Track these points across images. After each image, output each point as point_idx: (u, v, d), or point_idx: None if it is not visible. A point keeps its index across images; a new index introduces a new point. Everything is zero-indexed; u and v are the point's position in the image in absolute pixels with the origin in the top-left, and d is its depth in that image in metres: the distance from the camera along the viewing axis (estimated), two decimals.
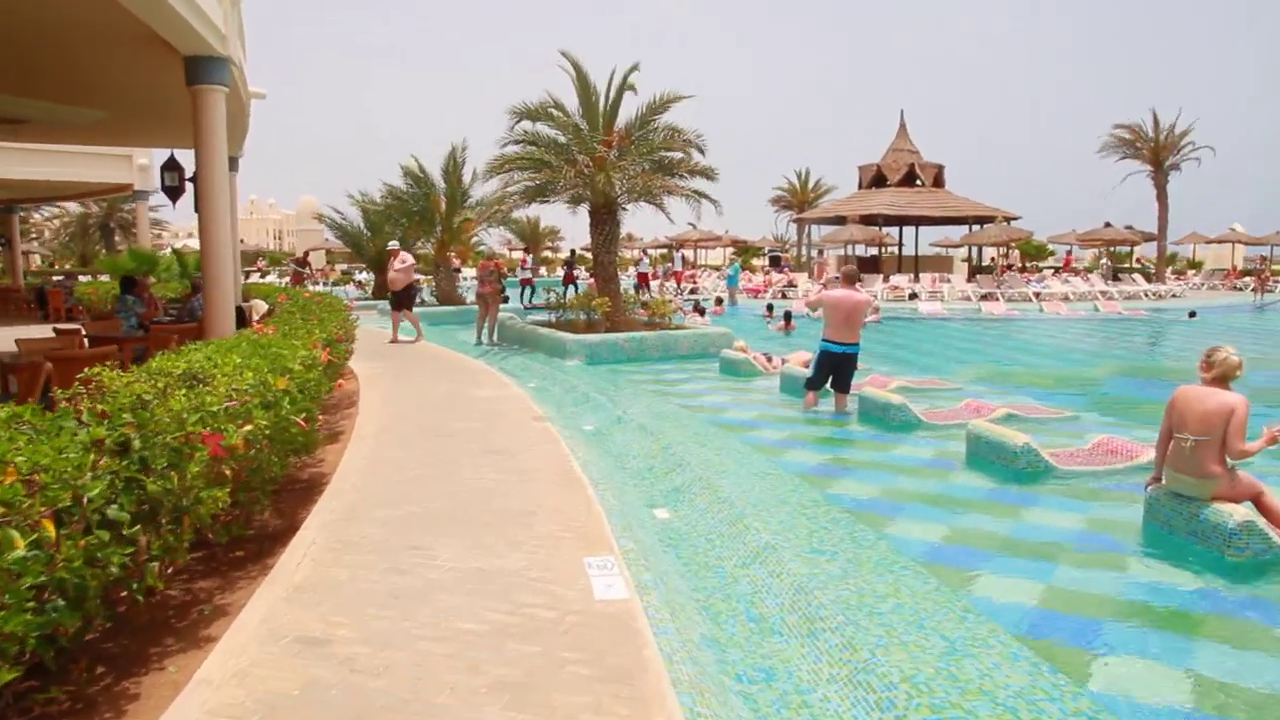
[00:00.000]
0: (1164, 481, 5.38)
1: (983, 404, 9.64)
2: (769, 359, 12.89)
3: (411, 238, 25.22)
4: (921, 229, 43.51)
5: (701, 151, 15.53)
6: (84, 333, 10.94)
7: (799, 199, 53.12)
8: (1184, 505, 5.13)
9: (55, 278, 25.82)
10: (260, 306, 14.88)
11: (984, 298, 30.71)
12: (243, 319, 13.40)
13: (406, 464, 6.87)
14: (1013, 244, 36.46)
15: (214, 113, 9.46)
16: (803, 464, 7.37)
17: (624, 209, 16.15)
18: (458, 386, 10.88)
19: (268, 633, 3.86)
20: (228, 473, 4.57)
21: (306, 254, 29.76)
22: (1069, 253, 47.12)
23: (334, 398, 10.41)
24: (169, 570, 4.24)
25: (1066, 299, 30.79)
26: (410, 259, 16.32)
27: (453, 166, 23.63)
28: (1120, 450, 7.22)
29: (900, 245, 42.09)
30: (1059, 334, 21.69)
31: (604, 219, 15.65)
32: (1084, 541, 5.32)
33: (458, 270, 40.18)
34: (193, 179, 10.41)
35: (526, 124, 15.98)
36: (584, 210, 16.70)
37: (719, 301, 26.32)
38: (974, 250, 42.95)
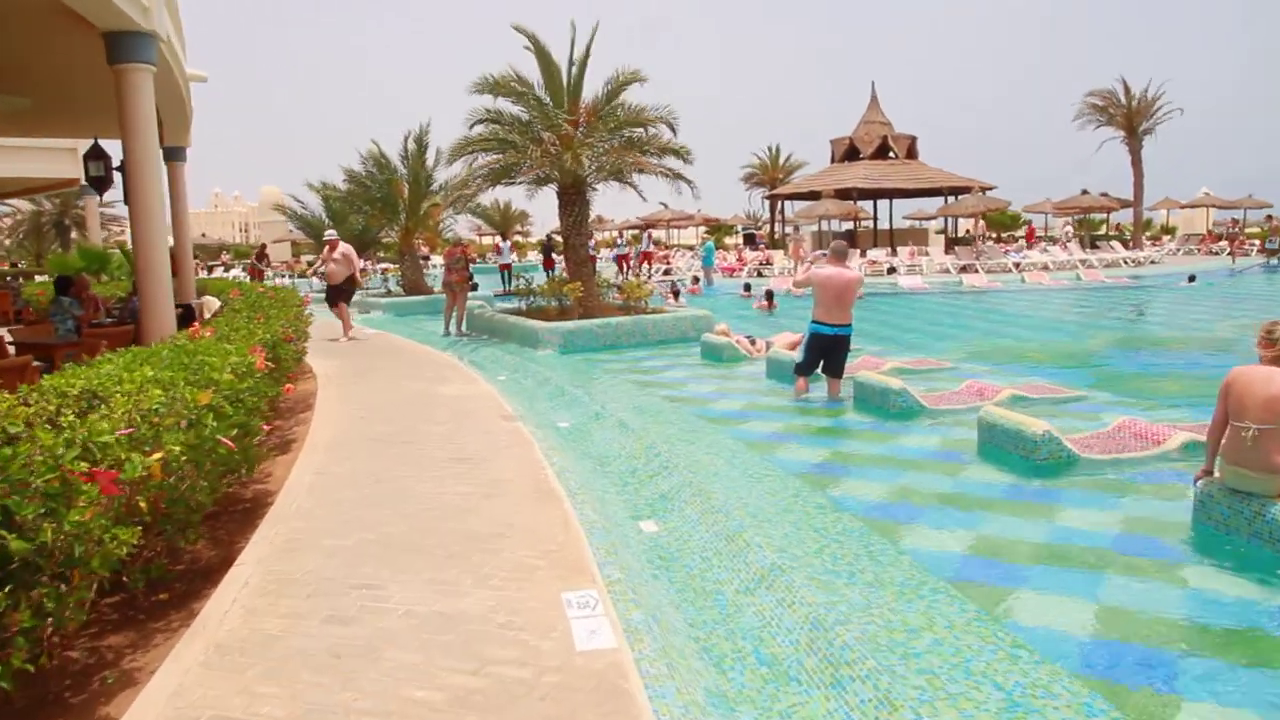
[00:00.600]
0: (1217, 475, 4.76)
1: (986, 385, 9.03)
2: (752, 342, 12.23)
3: (375, 226, 24.29)
4: (896, 202, 43.15)
5: (673, 128, 14.76)
6: (8, 339, 10.06)
7: (770, 175, 52.39)
8: (1245, 503, 4.52)
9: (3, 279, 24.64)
10: (213, 304, 14.01)
11: (963, 270, 30.23)
12: (191, 318, 12.58)
13: (362, 479, 6.14)
14: (989, 213, 35.97)
15: (140, 94, 8.60)
16: (801, 461, 6.71)
17: (593, 189, 15.38)
18: (423, 384, 10.13)
19: (175, 715, 3.14)
20: (143, 505, 3.84)
21: (263, 247, 28.62)
22: (1030, 224, 46.49)
23: (287, 401, 9.64)
24: (55, 639, 3.51)
25: (1046, 269, 30.36)
26: (350, 250, 15.40)
27: (415, 150, 22.69)
28: (1145, 434, 6.61)
29: (875, 219, 41.58)
30: (1044, 305, 21.20)
31: (573, 200, 14.87)
32: (1129, 547, 4.69)
33: (426, 258, 39.18)
34: (120, 168, 9.52)
35: (489, 102, 15.17)
36: (552, 193, 15.94)
37: (695, 281, 25.64)
38: (950, 222, 42.59)
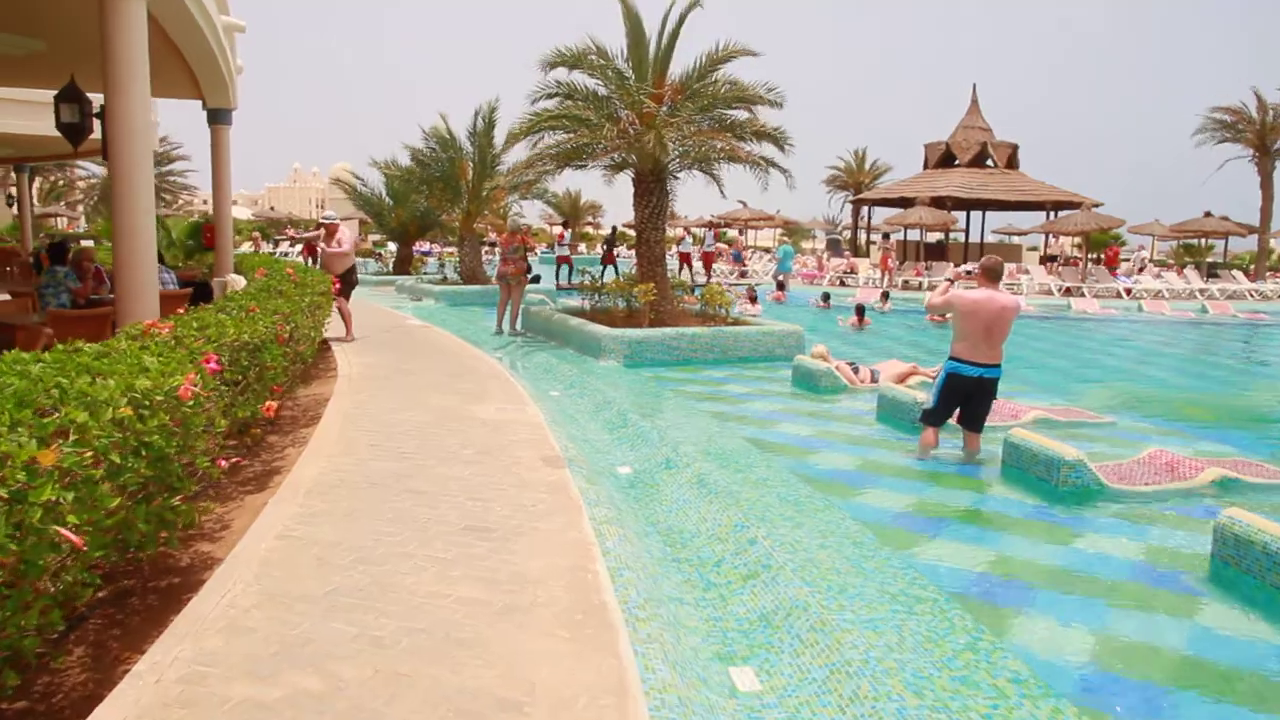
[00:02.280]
0: None
1: (1174, 457, 6.89)
2: (855, 369, 10.20)
3: (436, 207, 22.73)
4: (988, 215, 40.36)
5: (779, 106, 12.76)
6: None
7: (855, 179, 49.83)
8: None
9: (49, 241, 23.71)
10: (239, 282, 12.51)
11: (1067, 292, 27.60)
12: (207, 297, 10.98)
13: (338, 554, 4.34)
14: (1097, 233, 33.12)
15: (127, 25, 6.96)
16: (957, 571, 4.72)
17: (675, 177, 13.48)
18: (457, 399, 8.34)
19: None
20: None
21: (320, 223, 27.08)
22: (1112, 246, 42.29)
23: (294, 409, 7.97)
24: None
25: (1160, 296, 27.53)
26: (352, 235, 13.06)
27: (481, 128, 21.05)
28: None
29: (967, 231, 38.88)
30: (1176, 341, 18.62)
31: (651, 188, 12.99)
32: None
33: (491, 245, 37.75)
34: (100, 114, 7.92)
35: (562, 76, 13.38)
36: (624, 181, 14.10)
37: (780, 287, 23.53)
38: (1045, 239, 39.71)
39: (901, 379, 10.30)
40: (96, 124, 12.66)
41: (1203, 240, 49.33)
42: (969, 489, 6.34)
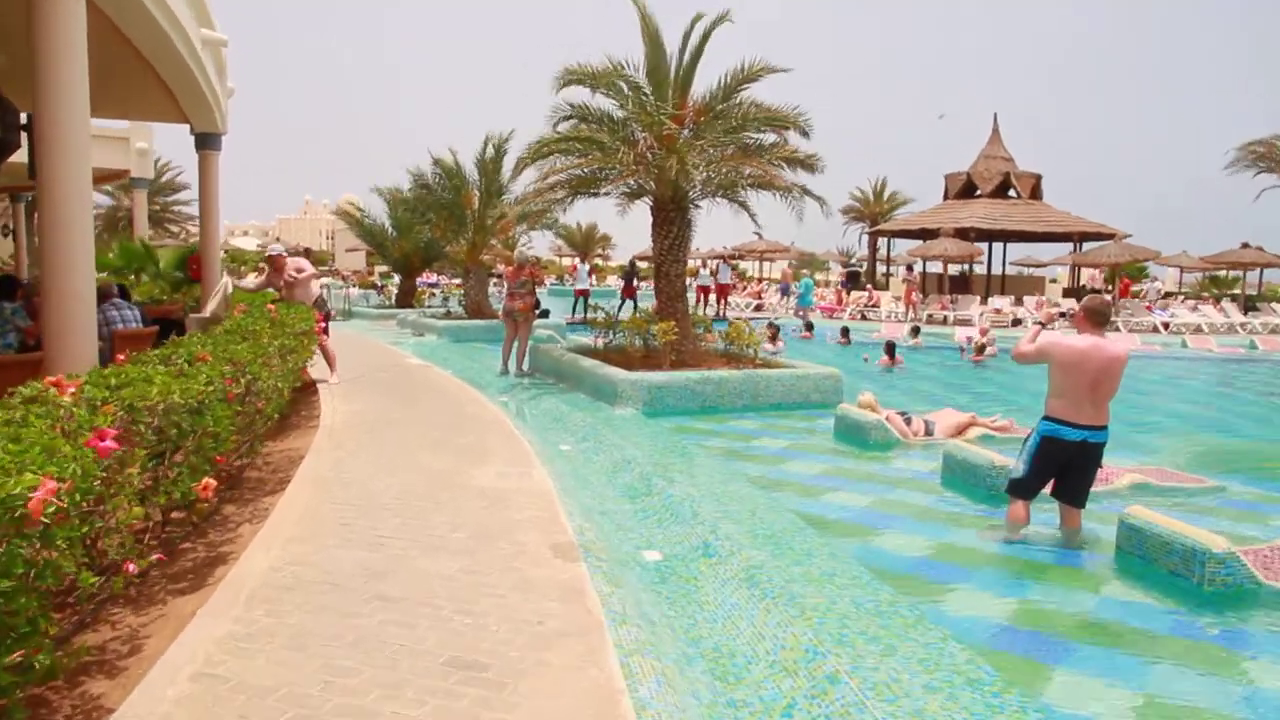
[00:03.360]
0: None
1: None
2: (907, 420, 8.97)
3: (440, 237, 21.67)
4: (1010, 247, 39.17)
5: (806, 134, 11.66)
6: None
7: (871, 210, 48.82)
8: None
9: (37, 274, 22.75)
10: (234, 284, 11.51)
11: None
12: (178, 331, 9.81)
13: (269, 712, 3.12)
14: (1130, 265, 31.90)
15: (57, 24, 5.85)
16: None
17: (696, 206, 12.34)
18: (451, 459, 7.13)
19: None
20: None
21: (306, 251, 25.79)
22: (1125, 278, 40.10)
23: (263, 467, 6.79)
24: None
25: (1200, 330, 26.22)
26: (308, 266, 11.55)
27: (490, 155, 20.03)
28: None
29: (989, 263, 37.69)
30: (1237, 380, 17.29)
31: (671, 218, 11.85)
32: None
33: (499, 277, 36.68)
34: (27, 128, 6.80)
35: (574, 96, 12.33)
36: (639, 212, 13.02)
37: (809, 328, 22.29)
38: (1076, 271, 38.48)
39: (960, 431, 9.07)
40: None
41: (1229, 272, 48.11)
42: (1084, 588, 5.09)
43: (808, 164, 11.60)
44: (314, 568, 4.53)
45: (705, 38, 11.34)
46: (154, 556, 4.13)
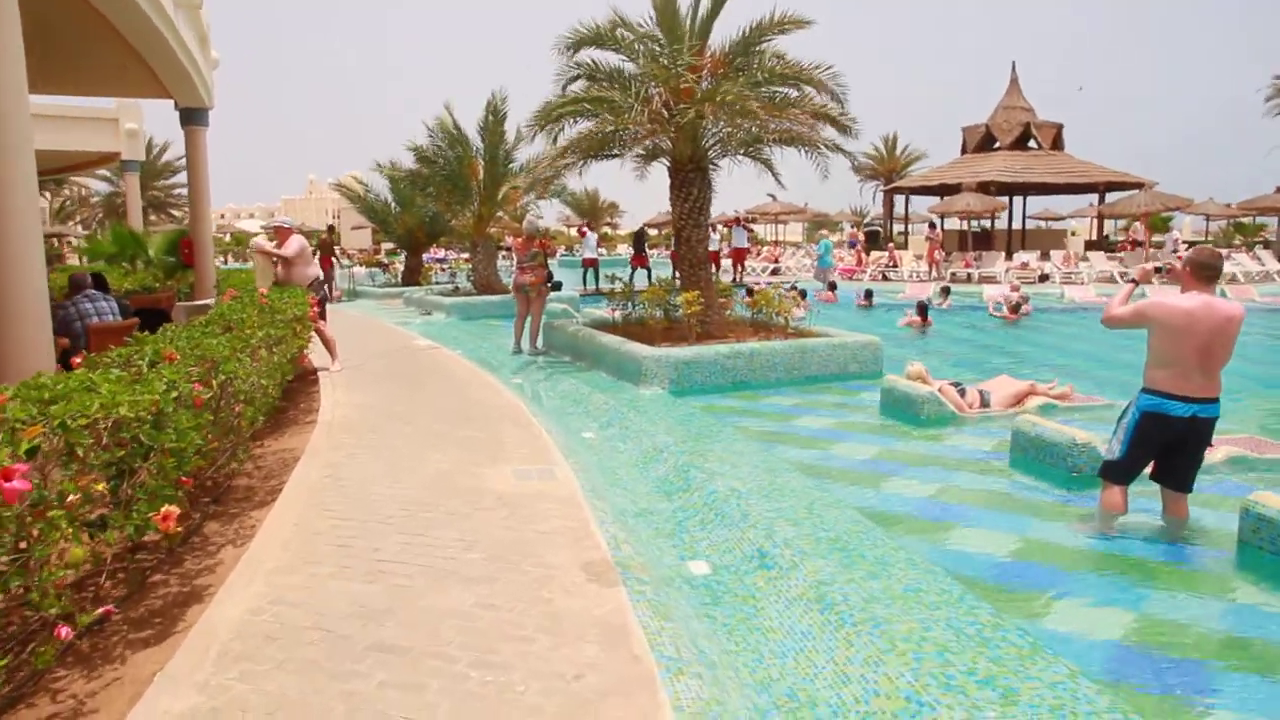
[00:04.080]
0: None
1: None
2: (961, 391, 8.17)
3: (444, 211, 20.83)
4: (1029, 199, 38.02)
5: (839, 100, 10.71)
6: None
7: (886, 167, 47.58)
8: None
9: None
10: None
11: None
12: (163, 322, 9.06)
13: None
14: (1160, 213, 30.79)
15: None
16: None
17: (715, 166, 11.48)
18: (464, 456, 6.38)
19: None
20: None
21: (330, 229, 24.79)
22: (1127, 228, 38.42)
23: (254, 473, 6.08)
24: None
25: (1234, 280, 25.18)
26: (302, 242, 10.42)
27: (492, 121, 19.12)
28: None
29: (1010, 217, 36.57)
30: None
31: (690, 179, 11.00)
32: None
33: (508, 250, 35.84)
34: None
35: (583, 56, 11.47)
36: (649, 175, 12.18)
37: (832, 288, 21.42)
38: (1098, 223, 37.30)
39: (1018, 401, 8.28)
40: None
41: (1255, 218, 46.76)
42: (1212, 594, 4.32)
43: (840, 124, 10.67)
44: (301, 608, 3.79)
45: None
46: (100, 611, 3.40)
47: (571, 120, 11.47)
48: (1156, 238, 37.17)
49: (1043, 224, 48.80)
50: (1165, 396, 4.91)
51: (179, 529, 4.30)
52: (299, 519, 4.99)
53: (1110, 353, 13.62)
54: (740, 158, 11.58)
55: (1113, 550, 4.86)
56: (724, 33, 10.95)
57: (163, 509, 3.65)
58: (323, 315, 10.33)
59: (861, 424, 7.87)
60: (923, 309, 16.03)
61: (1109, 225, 37.91)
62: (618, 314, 11.93)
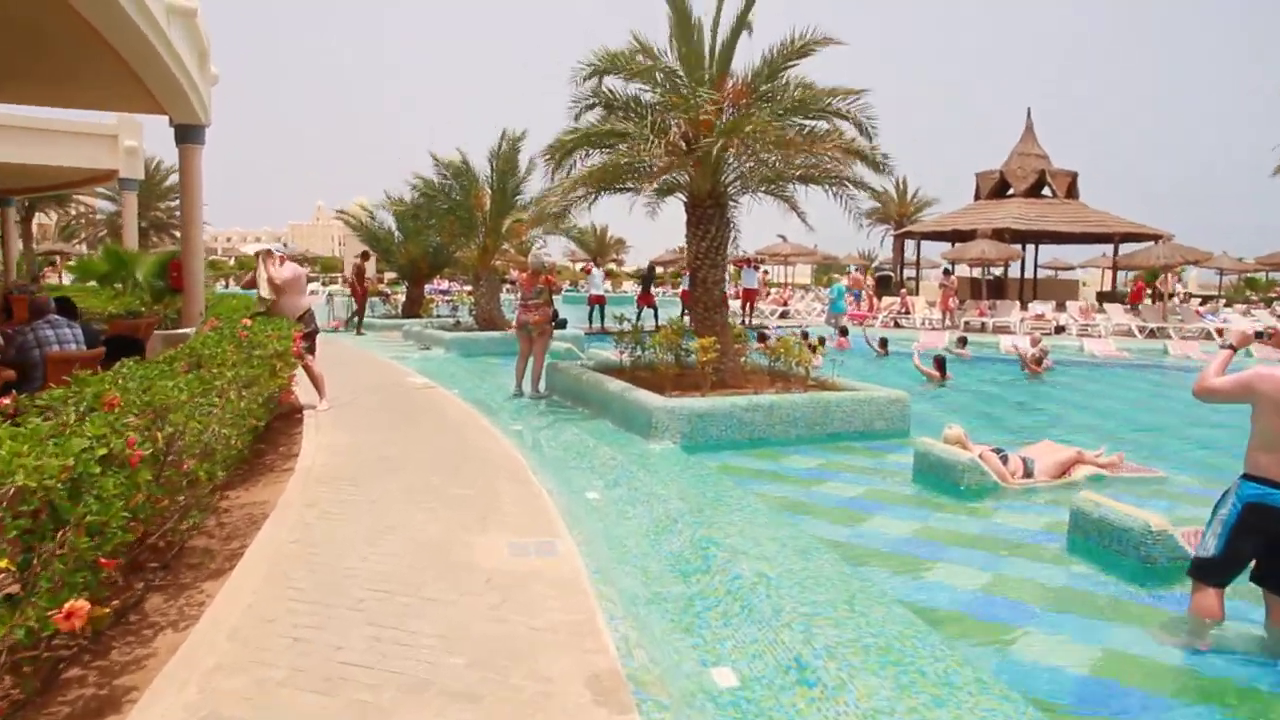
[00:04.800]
0: None
1: None
2: (1004, 459, 7.44)
3: (449, 242, 20.24)
4: (1041, 248, 37.45)
5: (866, 134, 10.09)
6: None
7: (897, 212, 47.14)
8: None
9: (19, 283, 21.40)
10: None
11: (1151, 334, 24.68)
12: (135, 351, 8.35)
13: None
14: (1180, 266, 30.21)
15: None
16: None
17: (735, 203, 10.85)
18: (452, 520, 5.64)
19: None
20: None
21: (364, 254, 23.73)
22: (1139, 280, 37.64)
23: (216, 531, 5.36)
24: None
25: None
26: (298, 270, 9.70)
27: (503, 153, 18.58)
28: None
29: (1022, 266, 36.00)
30: None
31: (709, 216, 10.36)
32: None
33: (512, 283, 35.17)
34: None
35: (595, 82, 10.90)
36: (665, 211, 11.58)
37: (843, 333, 20.75)
38: (1115, 275, 36.73)
39: (1064, 471, 7.56)
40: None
41: (1267, 275, 46.29)
42: None
43: (873, 161, 10.03)
44: None
45: (748, 7, 9.83)
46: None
47: (584, 152, 10.89)
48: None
49: (1053, 273, 48.31)
50: (1273, 485, 4.19)
51: (106, 611, 3.56)
52: (255, 598, 4.25)
53: (1137, 413, 12.91)
54: (761, 195, 10.94)
55: (1211, 669, 4.12)
56: (745, 58, 10.41)
57: (66, 605, 2.92)
58: (311, 350, 9.63)
59: (895, 494, 7.12)
60: (940, 363, 15.30)
61: (1120, 276, 37.34)
62: (626, 357, 11.23)
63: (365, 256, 22.78)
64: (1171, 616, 4.62)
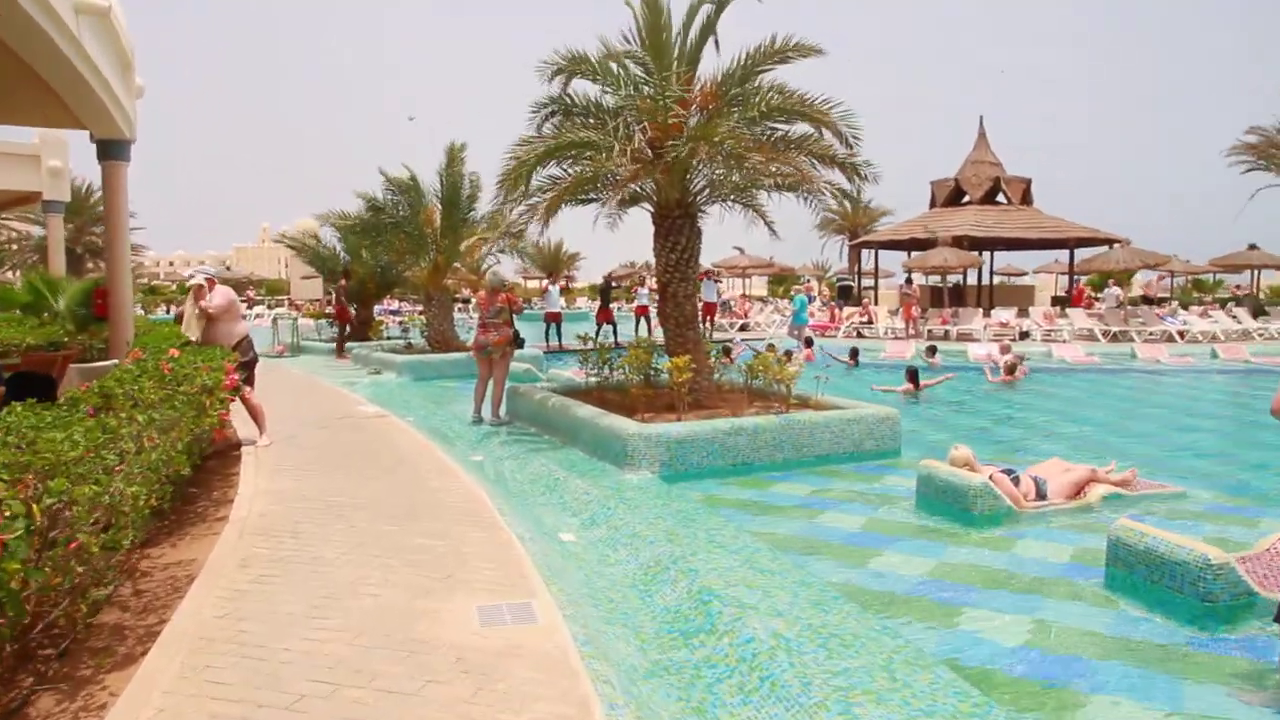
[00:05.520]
0: None
1: None
2: (1015, 480, 6.83)
3: (396, 260, 19.36)
4: (996, 255, 37.51)
5: (846, 143, 9.51)
6: None
7: (852, 222, 47.05)
8: None
9: None
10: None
11: (1114, 338, 24.58)
12: (47, 391, 7.42)
13: None
14: (1135, 270, 30.30)
15: None
16: None
17: (704, 212, 10.20)
18: (410, 580, 4.85)
19: None
20: None
21: (346, 273, 22.42)
22: (1079, 285, 37.50)
23: (131, 602, 4.52)
24: None
25: (1217, 339, 24.50)
26: (229, 295, 8.90)
27: (451, 168, 17.77)
28: None
29: (980, 274, 35.97)
30: None
31: (678, 227, 9.69)
32: None
33: (465, 302, 34.08)
34: None
35: (558, 89, 10.20)
36: (625, 222, 10.90)
37: (809, 344, 20.23)
38: (1072, 280, 36.90)
39: (1078, 491, 6.98)
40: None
41: (1214, 276, 47.00)
42: None
43: (851, 166, 9.44)
44: None
45: (719, 6, 9.21)
46: None
47: (542, 165, 10.14)
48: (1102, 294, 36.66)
49: (1008, 279, 48.58)
50: None
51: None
52: (167, 699, 3.44)
53: (1123, 421, 12.51)
54: (730, 204, 10.32)
55: None
56: (715, 62, 9.77)
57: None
58: (249, 380, 8.76)
59: (900, 524, 6.47)
60: (913, 374, 14.81)
61: (1065, 281, 37.57)
62: (592, 378, 10.49)
63: (348, 276, 21.74)
64: (1252, 668, 4.01)
